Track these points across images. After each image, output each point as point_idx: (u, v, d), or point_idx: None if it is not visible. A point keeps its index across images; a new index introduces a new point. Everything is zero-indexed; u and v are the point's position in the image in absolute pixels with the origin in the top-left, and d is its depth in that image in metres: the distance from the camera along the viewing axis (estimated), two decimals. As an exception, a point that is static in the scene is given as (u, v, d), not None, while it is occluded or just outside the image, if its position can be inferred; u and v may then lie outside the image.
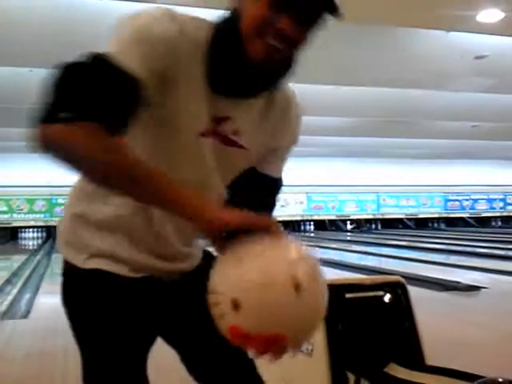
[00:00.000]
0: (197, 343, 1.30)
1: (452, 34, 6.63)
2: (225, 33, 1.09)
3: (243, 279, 0.93)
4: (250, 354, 1.13)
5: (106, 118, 0.96)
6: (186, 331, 1.30)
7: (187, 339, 1.31)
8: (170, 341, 1.33)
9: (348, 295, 1.60)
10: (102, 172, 0.98)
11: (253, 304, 0.92)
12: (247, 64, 1.07)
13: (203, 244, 1.31)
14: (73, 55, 1.00)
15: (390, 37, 6.85)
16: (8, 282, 6.85)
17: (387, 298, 1.68)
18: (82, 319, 1.24)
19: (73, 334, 1.25)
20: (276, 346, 0.94)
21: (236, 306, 0.92)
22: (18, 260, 9.89)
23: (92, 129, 0.94)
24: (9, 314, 4.79)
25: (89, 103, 0.96)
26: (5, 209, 15.79)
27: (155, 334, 1.30)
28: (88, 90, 0.97)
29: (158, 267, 1.24)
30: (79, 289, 1.24)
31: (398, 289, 1.68)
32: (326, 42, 6.65)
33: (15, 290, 6.20)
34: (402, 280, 1.70)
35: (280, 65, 1.11)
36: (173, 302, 1.28)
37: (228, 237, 0.99)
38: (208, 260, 1.22)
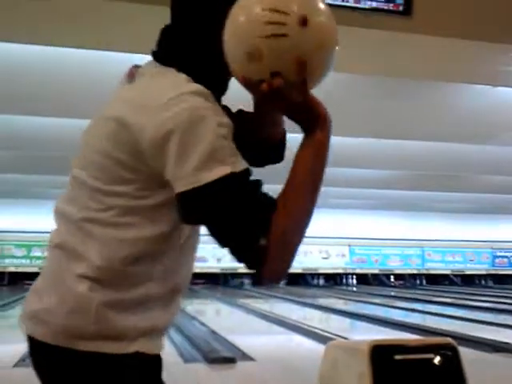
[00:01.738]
0: None
1: (498, 88, 6.60)
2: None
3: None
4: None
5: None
6: None
7: None
8: None
9: (397, 357, 1.54)
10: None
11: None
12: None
13: None
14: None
15: (435, 91, 6.86)
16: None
17: (438, 360, 1.61)
18: None
19: None
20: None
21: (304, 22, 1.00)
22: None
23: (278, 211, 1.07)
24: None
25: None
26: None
27: None
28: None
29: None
30: (124, 377, 1.17)
31: (450, 351, 1.61)
32: (373, 95, 6.76)
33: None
34: (454, 342, 1.64)
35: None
36: None
37: None
38: None
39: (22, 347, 4.57)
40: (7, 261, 15.85)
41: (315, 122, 1.11)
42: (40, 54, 5.54)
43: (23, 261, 15.60)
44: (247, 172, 1.08)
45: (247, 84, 1.07)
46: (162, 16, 1.31)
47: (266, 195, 1.08)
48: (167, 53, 1.20)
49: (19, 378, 3.94)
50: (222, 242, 1.10)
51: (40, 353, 1.18)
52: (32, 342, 1.19)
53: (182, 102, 1.05)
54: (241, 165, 1.06)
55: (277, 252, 1.06)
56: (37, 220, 12.86)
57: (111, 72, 5.95)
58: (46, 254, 1.27)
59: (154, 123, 1.05)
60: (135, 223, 1.14)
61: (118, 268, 1.14)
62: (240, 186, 1.05)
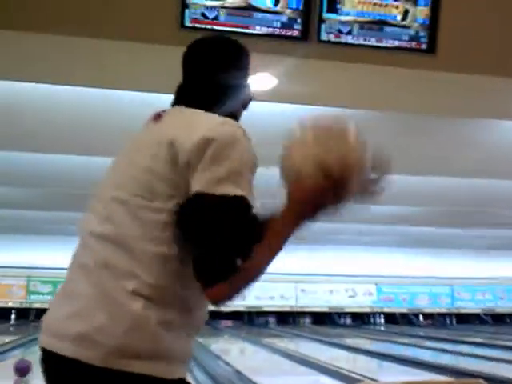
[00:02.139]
0: None
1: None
2: None
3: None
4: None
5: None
6: None
7: None
8: None
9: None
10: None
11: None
12: None
13: None
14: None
15: (462, 127, 6.82)
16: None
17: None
18: None
19: None
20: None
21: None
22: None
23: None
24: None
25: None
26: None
27: None
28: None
29: None
30: None
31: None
32: (400, 132, 6.74)
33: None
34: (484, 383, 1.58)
35: None
36: None
37: None
38: None
39: None
40: (33, 297, 15.97)
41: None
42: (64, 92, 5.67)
43: (49, 297, 15.70)
44: (252, 208, 1.21)
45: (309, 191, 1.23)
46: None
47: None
48: (195, 99, 1.35)
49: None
50: (202, 247, 1.15)
51: (80, 376, 1.13)
52: (68, 364, 1.13)
53: (227, 125, 1.23)
54: (252, 199, 1.20)
55: (239, 280, 1.21)
56: (62, 256, 12.95)
57: (122, 111, 6.02)
58: (72, 275, 1.25)
59: (199, 135, 1.19)
60: (177, 240, 1.19)
61: (167, 286, 1.17)
62: (246, 212, 1.17)
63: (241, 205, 1.16)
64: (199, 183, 1.16)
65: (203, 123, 1.23)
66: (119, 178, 1.28)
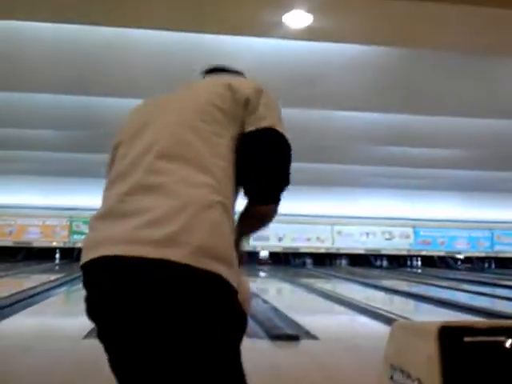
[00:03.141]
0: None
1: None
2: None
3: None
4: None
5: None
6: None
7: None
8: None
9: (466, 339, 1.49)
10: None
11: None
12: None
13: None
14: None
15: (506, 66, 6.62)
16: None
17: (509, 343, 1.55)
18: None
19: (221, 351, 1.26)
20: None
21: None
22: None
23: None
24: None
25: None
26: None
27: None
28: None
29: None
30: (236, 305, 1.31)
31: (521, 335, 1.55)
32: (444, 74, 6.55)
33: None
34: (526, 325, 1.57)
35: None
36: None
37: None
38: None
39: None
40: (76, 237, 16.47)
41: None
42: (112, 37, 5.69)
43: (92, 237, 16.18)
44: None
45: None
46: None
47: None
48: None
49: (88, 350, 4.10)
50: (273, 171, 1.44)
51: (164, 275, 1.20)
52: (150, 265, 1.21)
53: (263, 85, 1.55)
54: None
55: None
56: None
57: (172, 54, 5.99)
58: (134, 197, 1.31)
59: (251, 85, 1.53)
60: (233, 161, 1.43)
61: (231, 198, 1.38)
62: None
63: (289, 144, 1.49)
64: (266, 121, 1.45)
65: (248, 80, 1.59)
66: (181, 109, 1.47)
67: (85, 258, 1.35)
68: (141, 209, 1.28)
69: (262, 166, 1.43)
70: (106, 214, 1.37)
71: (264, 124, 1.45)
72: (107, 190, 1.44)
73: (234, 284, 1.28)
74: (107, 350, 1.31)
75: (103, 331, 1.31)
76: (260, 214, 1.47)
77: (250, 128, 1.46)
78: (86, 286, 1.35)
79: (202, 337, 1.21)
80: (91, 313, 1.33)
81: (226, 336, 1.27)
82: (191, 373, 1.21)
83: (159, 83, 5.83)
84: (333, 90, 6.88)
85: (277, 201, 1.45)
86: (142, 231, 1.24)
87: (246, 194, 1.45)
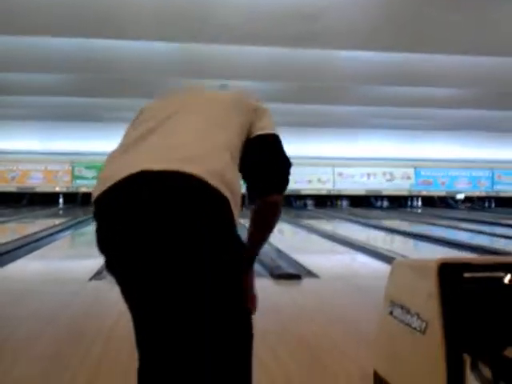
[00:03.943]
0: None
1: None
2: None
3: None
4: None
5: None
6: None
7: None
8: None
9: (466, 275, 1.52)
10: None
11: None
12: None
13: None
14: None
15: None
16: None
17: (508, 279, 1.58)
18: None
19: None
20: None
21: None
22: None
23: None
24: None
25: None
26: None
27: None
28: None
29: None
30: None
31: (520, 270, 1.58)
32: (449, 12, 6.40)
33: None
34: (525, 261, 1.60)
35: None
36: None
37: None
38: None
39: (97, 262, 4.78)
40: (78, 181, 16.52)
41: None
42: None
43: (94, 182, 16.13)
44: None
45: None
46: None
47: None
48: None
49: (94, 290, 4.19)
50: (284, 165, 1.65)
51: (184, 182, 1.38)
52: (173, 176, 1.38)
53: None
54: None
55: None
56: (107, 143, 13.18)
57: None
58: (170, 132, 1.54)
59: (254, 98, 1.75)
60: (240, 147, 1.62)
61: (238, 158, 1.57)
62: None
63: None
64: (269, 128, 1.67)
65: (248, 95, 1.77)
66: (202, 105, 1.68)
67: (102, 187, 1.46)
68: (161, 140, 1.50)
69: (274, 161, 1.65)
70: (125, 149, 1.52)
71: (266, 130, 1.69)
72: (127, 134, 1.62)
73: (235, 213, 1.45)
74: (119, 280, 1.42)
75: (116, 257, 1.40)
76: (276, 203, 1.64)
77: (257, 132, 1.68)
78: (100, 215, 1.44)
79: (214, 257, 1.38)
80: (104, 241, 1.42)
81: (237, 257, 1.46)
82: (203, 289, 1.37)
83: (162, 25, 5.71)
84: (335, 26, 6.73)
85: (284, 190, 1.67)
86: (164, 152, 1.45)
87: (262, 186, 1.63)
